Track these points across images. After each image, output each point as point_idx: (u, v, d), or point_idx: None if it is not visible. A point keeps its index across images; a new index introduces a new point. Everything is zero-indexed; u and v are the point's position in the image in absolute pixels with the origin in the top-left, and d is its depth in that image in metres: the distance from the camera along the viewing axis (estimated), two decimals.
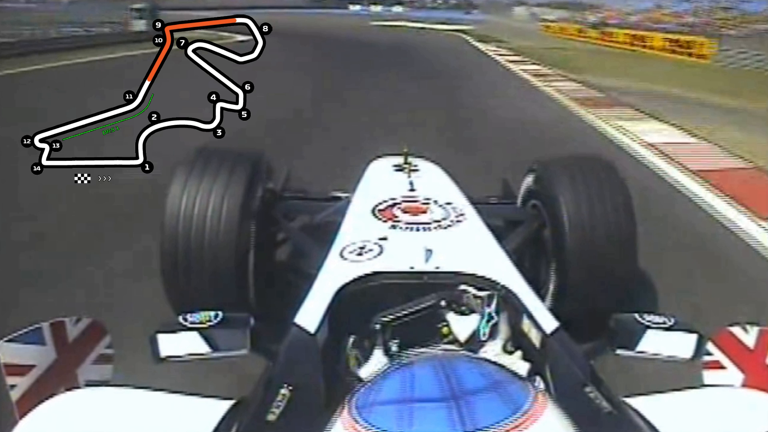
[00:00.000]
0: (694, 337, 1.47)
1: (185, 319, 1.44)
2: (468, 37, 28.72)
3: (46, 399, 1.19)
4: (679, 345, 1.47)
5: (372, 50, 21.00)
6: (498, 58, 18.88)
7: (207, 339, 1.42)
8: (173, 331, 1.42)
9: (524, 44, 23.93)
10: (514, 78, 14.26)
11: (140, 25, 22.30)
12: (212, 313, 1.45)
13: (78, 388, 1.44)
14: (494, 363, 0.95)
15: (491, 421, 0.75)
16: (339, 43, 24.24)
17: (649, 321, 1.50)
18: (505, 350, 1.53)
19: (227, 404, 1.22)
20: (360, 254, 1.85)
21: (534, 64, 16.61)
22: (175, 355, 1.43)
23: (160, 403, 1.22)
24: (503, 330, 1.56)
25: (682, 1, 33.93)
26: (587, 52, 22.19)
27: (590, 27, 32.92)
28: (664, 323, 1.49)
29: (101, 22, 24.14)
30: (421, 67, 16.00)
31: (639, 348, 1.48)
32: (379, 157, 3.14)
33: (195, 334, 1.42)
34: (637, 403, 1.23)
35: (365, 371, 1.42)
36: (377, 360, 1.45)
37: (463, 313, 1.54)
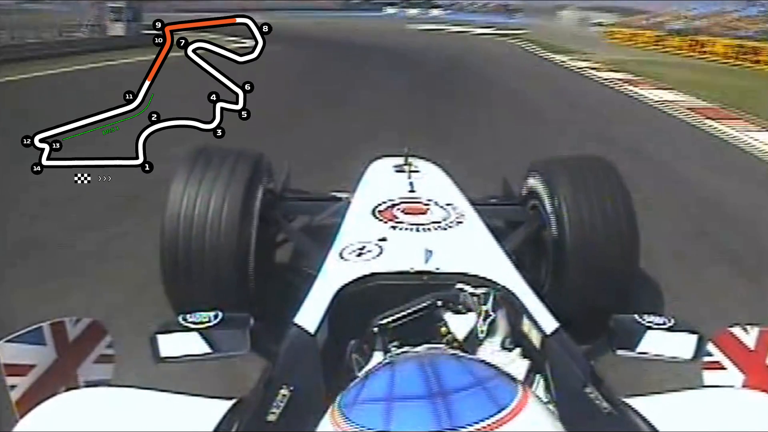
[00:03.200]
0: (694, 337, 1.47)
1: (185, 320, 1.44)
2: (523, 44, 23.88)
3: (46, 399, 1.18)
4: (680, 345, 1.47)
5: (416, 64, 15.96)
6: (596, 79, 13.76)
7: (207, 339, 1.41)
8: (173, 332, 1.42)
9: (613, 57, 19.16)
10: (651, 112, 9.91)
11: (117, 28, 18.30)
12: (212, 314, 1.45)
13: (78, 388, 1.44)
14: (482, 361, 0.95)
15: (473, 419, 0.75)
16: (375, 51, 19.20)
17: (649, 322, 1.49)
18: (504, 347, 1.53)
19: (227, 404, 1.22)
20: (360, 255, 1.85)
21: (664, 88, 12.17)
22: (175, 355, 1.42)
23: (160, 403, 1.22)
24: (501, 326, 1.55)
25: None
26: (702, 70, 16.94)
27: (672, 34, 27.01)
28: (664, 324, 1.49)
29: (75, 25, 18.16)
30: (487, 95, 11.13)
31: (639, 348, 1.47)
32: (380, 157, 3.13)
33: (195, 334, 1.41)
34: (637, 403, 1.23)
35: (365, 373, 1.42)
36: (376, 361, 1.45)
37: (459, 312, 1.54)
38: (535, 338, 1.53)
